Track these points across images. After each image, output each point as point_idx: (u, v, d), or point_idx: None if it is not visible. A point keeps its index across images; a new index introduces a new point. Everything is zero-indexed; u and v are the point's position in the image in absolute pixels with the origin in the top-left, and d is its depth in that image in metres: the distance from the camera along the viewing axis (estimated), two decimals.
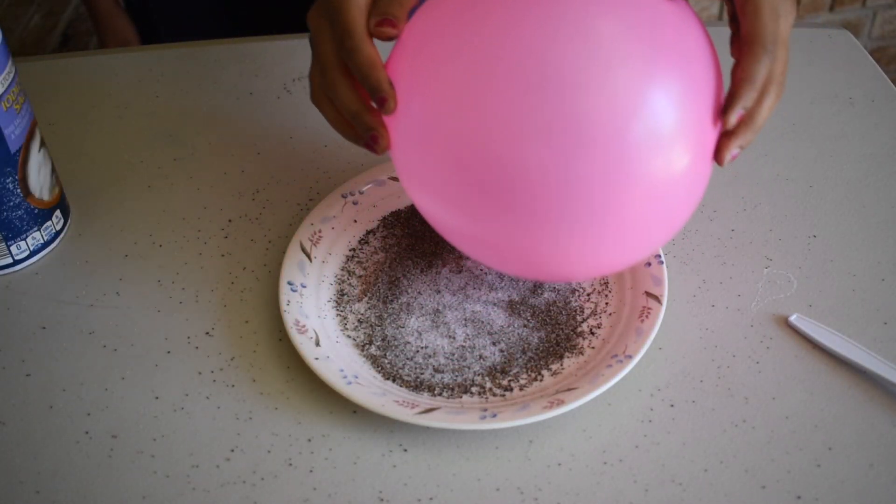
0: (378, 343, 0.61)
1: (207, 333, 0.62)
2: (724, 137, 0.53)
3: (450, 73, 0.50)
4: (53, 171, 0.68)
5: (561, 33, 0.48)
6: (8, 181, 0.64)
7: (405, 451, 0.55)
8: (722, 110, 0.52)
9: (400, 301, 0.63)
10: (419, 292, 0.64)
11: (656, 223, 0.53)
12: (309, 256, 0.65)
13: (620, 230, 0.52)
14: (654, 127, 0.48)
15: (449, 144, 0.51)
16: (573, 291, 0.64)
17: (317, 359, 0.57)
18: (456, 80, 0.50)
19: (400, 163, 0.55)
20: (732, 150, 0.53)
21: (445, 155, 0.51)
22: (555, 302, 0.63)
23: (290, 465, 0.55)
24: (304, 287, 0.62)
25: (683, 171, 0.51)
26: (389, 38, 0.53)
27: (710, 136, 0.52)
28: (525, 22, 0.49)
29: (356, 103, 0.54)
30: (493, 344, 0.60)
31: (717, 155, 0.53)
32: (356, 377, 0.57)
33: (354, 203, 0.69)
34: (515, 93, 0.48)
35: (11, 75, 0.63)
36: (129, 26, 1.25)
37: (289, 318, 0.60)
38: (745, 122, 0.52)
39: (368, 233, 0.68)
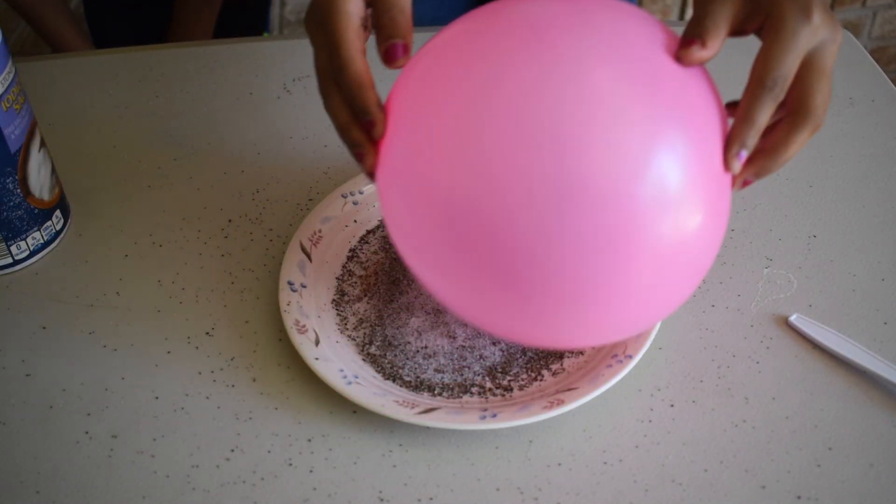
0: (378, 343, 0.61)
1: (207, 333, 0.62)
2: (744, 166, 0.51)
3: (444, 125, 0.47)
4: (53, 171, 0.68)
5: (561, 88, 0.45)
6: (8, 181, 0.64)
7: (405, 451, 0.55)
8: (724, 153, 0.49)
9: (400, 301, 0.63)
10: (419, 292, 0.64)
11: (663, 289, 0.49)
12: (309, 256, 0.65)
13: (625, 298, 0.48)
14: (660, 187, 0.45)
15: (438, 202, 0.47)
16: None
17: (317, 359, 0.57)
18: (450, 134, 0.46)
19: (387, 210, 0.52)
20: (743, 175, 0.51)
21: (434, 212, 0.47)
22: None
23: (290, 465, 0.55)
24: (304, 287, 0.62)
25: (692, 233, 0.47)
26: (400, 67, 0.50)
27: (719, 195, 0.49)
28: (525, 76, 0.45)
29: (344, 117, 0.51)
30: (493, 344, 0.60)
31: (726, 164, 0.50)
32: (356, 377, 0.57)
33: (354, 203, 0.69)
34: (511, 151, 0.45)
35: (11, 75, 0.63)
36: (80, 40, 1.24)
37: (289, 318, 0.60)
38: (763, 154, 0.50)
39: (368, 233, 0.68)
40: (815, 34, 0.49)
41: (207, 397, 0.58)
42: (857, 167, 0.75)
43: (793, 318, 0.62)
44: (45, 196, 0.67)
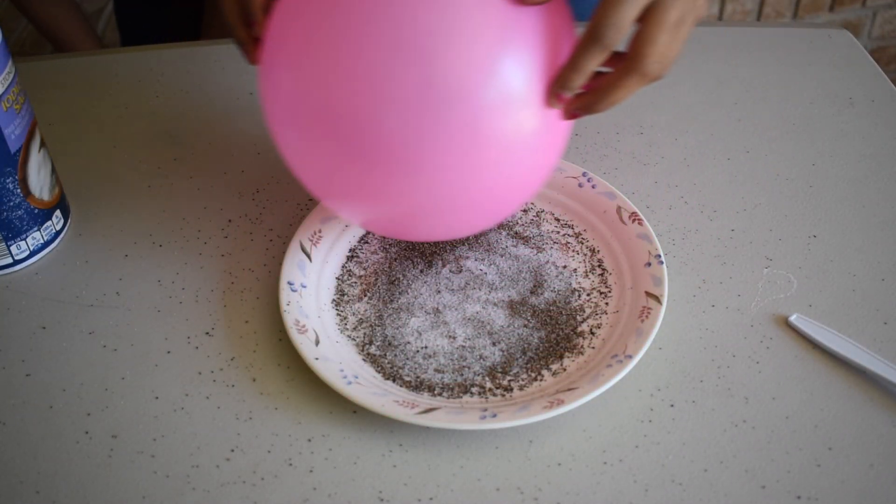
0: (378, 343, 0.61)
1: (207, 333, 0.62)
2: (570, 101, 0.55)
3: (310, 33, 0.52)
4: (53, 171, 0.68)
5: (423, 5, 0.50)
6: (8, 181, 0.64)
7: (405, 451, 0.55)
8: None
9: (400, 301, 0.63)
10: (419, 292, 0.64)
11: (510, 183, 0.56)
12: (309, 256, 0.65)
13: (478, 187, 0.54)
14: (504, 92, 0.51)
15: (309, 102, 0.53)
16: (573, 291, 0.64)
17: (317, 359, 0.57)
18: (316, 42, 0.52)
19: (272, 121, 0.57)
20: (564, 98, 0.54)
21: (305, 106, 0.53)
22: (555, 302, 0.63)
23: (290, 465, 0.55)
24: (304, 287, 0.62)
25: (533, 133, 0.54)
26: None
27: (556, 111, 0.55)
28: None
29: (233, 17, 0.58)
30: (493, 344, 0.60)
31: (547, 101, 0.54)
32: (356, 377, 0.57)
33: None
34: (371, 56, 0.50)
35: (11, 75, 0.63)
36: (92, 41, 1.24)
37: (289, 318, 0.60)
38: (591, 94, 0.54)
39: (368, 233, 0.68)
40: None
41: (207, 397, 0.58)
42: (857, 167, 0.75)
43: (793, 318, 0.62)
44: (45, 196, 0.67)
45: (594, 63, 0.51)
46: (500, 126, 0.52)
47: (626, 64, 0.52)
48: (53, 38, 1.22)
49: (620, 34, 0.50)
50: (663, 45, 0.51)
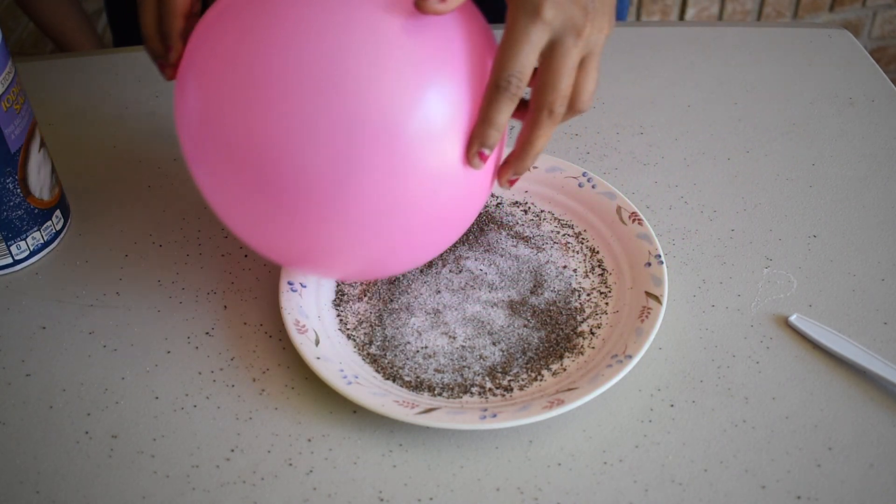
0: (378, 343, 0.61)
1: (207, 333, 0.62)
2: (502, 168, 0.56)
3: (228, 61, 0.50)
4: (53, 171, 0.68)
5: (342, 32, 0.49)
6: (8, 181, 0.64)
7: (405, 451, 0.55)
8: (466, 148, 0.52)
9: (400, 301, 0.63)
10: (419, 292, 0.64)
11: (437, 218, 0.54)
12: None
13: (399, 227, 0.53)
14: (426, 126, 0.49)
15: (223, 136, 0.51)
16: (573, 291, 0.64)
17: (318, 358, 0.57)
18: (232, 71, 0.50)
19: (185, 147, 0.55)
20: (508, 177, 0.56)
21: (220, 145, 0.51)
22: (555, 302, 0.63)
23: (290, 465, 0.55)
24: (304, 287, 0.62)
25: (457, 167, 0.52)
26: None
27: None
28: (306, 17, 0.49)
29: (150, 29, 0.56)
30: (494, 344, 0.60)
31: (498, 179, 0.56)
32: (356, 377, 0.57)
33: None
34: (290, 90, 0.49)
35: (11, 75, 0.63)
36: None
37: (289, 318, 0.60)
38: (515, 153, 0.54)
39: None
40: (546, 30, 0.49)
41: (207, 397, 0.58)
42: (857, 167, 0.75)
43: (793, 318, 0.62)
44: (45, 196, 0.67)
45: (506, 114, 0.51)
46: (426, 159, 0.50)
47: (532, 114, 0.52)
48: (54, 36, 1.22)
49: (524, 81, 0.50)
50: (566, 88, 0.51)
